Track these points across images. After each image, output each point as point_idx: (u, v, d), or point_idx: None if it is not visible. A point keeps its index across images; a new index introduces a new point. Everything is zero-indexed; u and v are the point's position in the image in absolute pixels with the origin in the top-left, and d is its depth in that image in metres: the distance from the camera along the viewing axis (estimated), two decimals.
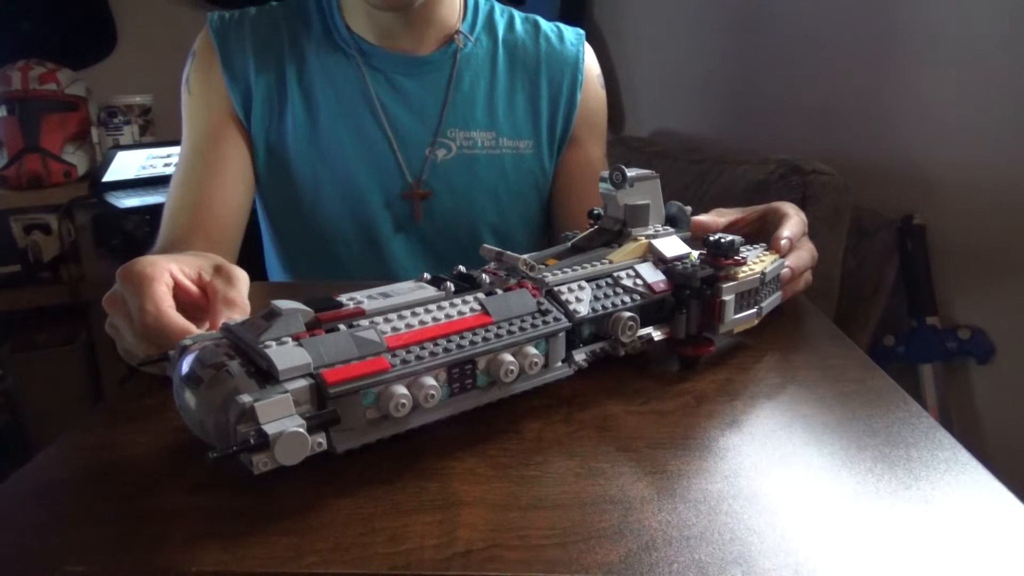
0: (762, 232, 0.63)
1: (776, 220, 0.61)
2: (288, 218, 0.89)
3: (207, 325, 0.47)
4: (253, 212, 0.93)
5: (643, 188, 0.52)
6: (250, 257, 0.96)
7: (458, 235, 0.89)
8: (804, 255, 0.60)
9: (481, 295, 0.41)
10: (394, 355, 0.36)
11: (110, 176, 1.82)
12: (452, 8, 0.89)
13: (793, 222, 0.60)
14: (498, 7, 0.94)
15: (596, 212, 0.54)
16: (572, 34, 0.95)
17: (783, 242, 0.57)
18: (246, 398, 0.32)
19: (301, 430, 0.32)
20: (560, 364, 0.44)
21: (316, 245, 0.89)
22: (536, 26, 0.94)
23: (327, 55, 0.86)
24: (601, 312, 0.45)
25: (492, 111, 0.89)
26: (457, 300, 0.41)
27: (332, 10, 0.87)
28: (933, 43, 1.09)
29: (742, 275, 0.50)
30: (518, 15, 0.95)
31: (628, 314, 0.46)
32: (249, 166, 0.86)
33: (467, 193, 0.88)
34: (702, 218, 0.62)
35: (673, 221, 0.57)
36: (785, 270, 0.57)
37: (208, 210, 0.82)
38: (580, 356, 0.45)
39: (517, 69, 0.91)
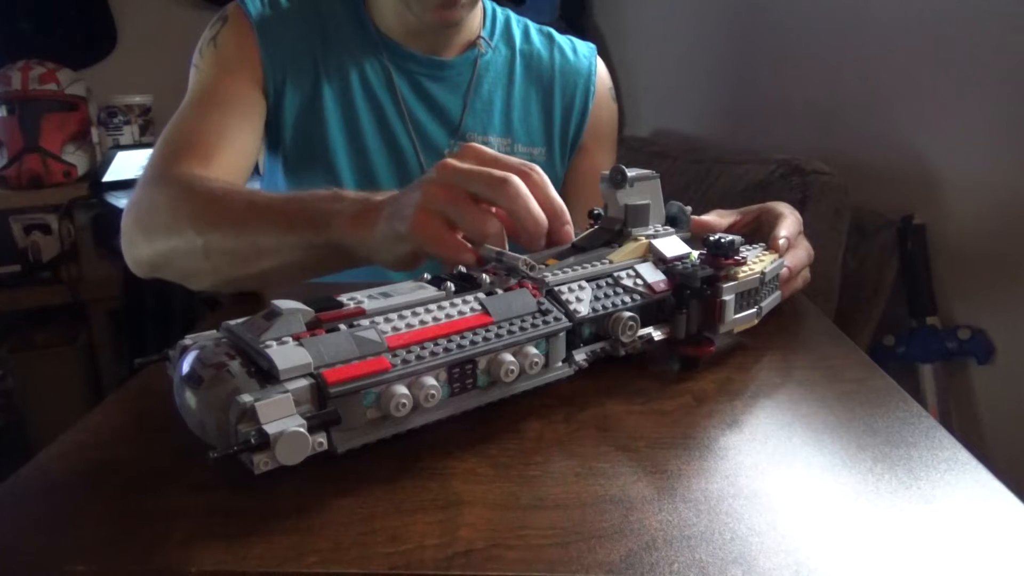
0: (758, 232, 0.63)
1: (771, 220, 0.62)
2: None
3: None
4: None
5: (643, 188, 0.52)
6: None
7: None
8: (801, 254, 0.61)
9: (481, 295, 0.41)
10: (394, 355, 0.36)
11: (110, 176, 1.82)
12: (476, 15, 0.91)
13: (789, 221, 0.61)
14: (514, 17, 0.97)
15: (596, 212, 0.54)
16: (585, 48, 0.98)
17: (780, 241, 0.58)
18: (247, 398, 0.32)
19: (302, 430, 0.32)
20: (560, 364, 0.44)
21: None
22: (551, 38, 0.97)
23: (356, 49, 0.87)
24: (601, 312, 0.45)
25: (508, 118, 0.91)
26: (457, 300, 0.41)
27: (358, 7, 0.88)
28: (933, 43, 1.09)
29: (742, 275, 0.50)
30: (532, 26, 0.97)
31: (628, 314, 0.46)
32: (260, 130, 0.83)
33: None
34: (705, 218, 0.62)
35: (673, 221, 0.57)
36: (783, 269, 0.57)
37: (212, 144, 0.74)
38: (580, 356, 0.45)
39: (532, 79, 0.93)
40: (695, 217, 0.59)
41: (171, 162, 0.72)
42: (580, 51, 0.97)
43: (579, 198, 0.94)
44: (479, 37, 0.91)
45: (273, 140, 0.87)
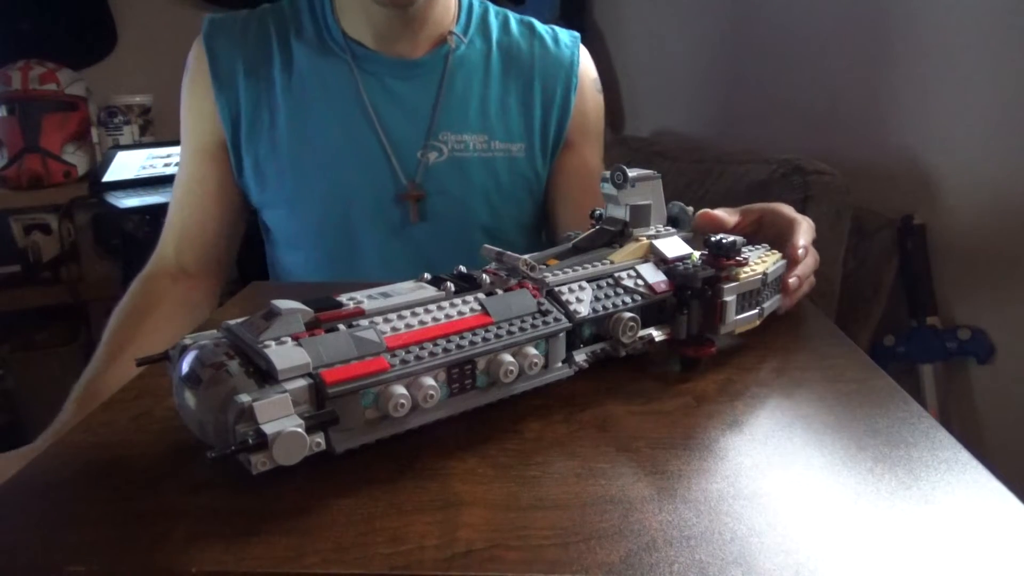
0: (759, 234, 0.62)
1: (779, 224, 0.60)
2: (275, 224, 0.89)
3: None
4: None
5: (644, 188, 0.52)
6: (253, 258, 0.97)
7: (450, 238, 0.88)
8: (810, 261, 0.59)
9: (481, 295, 0.41)
10: (393, 355, 0.36)
11: (110, 176, 1.82)
12: (447, 9, 0.88)
13: (804, 229, 0.59)
14: (492, 8, 0.93)
15: (598, 213, 0.54)
16: (567, 37, 0.93)
17: (800, 251, 0.56)
18: (245, 398, 0.32)
19: (299, 430, 0.32)
20: (560, 364, 0.44)
21: (306, 249, 0.88)
22: (531, 28, 0.92)
23: (319, 58, 0.85)
24: (602, 312, 0.45)
25: (484, 114, 0.87)
26: (457, 300, 0.41)
27: (326, 13, 0.86)
28: (933, 43, 1.09)
29: (744, 276, 0.50)
30: (513, 17, 0.93)
31: (629, 315, 0.45)
32: (233, 189, 0.88)
33: (459, 196, 0.87)
34: (716, 212, 0.60)
35: (675, 221, 0.57)
36: (793, 279, 0.56)
37: (188, 239, 0.87)
38: (580, 356, 0.45)
39: (511, 72, 0.89)
40: (704, 211, 0.58)
41: (163, 253, 0.87)
42: (562, 41, 0.92)
43: (568, 196, 0.91)
44: (450, 32, 0.87)
45: (240, 170, 0.87)
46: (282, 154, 0.84)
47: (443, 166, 0.86)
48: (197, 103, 0.86)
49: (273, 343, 0.34)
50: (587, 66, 0.93)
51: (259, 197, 0.88)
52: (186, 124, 0.88)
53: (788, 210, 0.62)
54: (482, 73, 0.88)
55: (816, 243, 0.62)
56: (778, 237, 0.59)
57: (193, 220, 0.87)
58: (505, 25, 0.92)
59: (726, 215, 0.62)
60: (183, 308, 0.82)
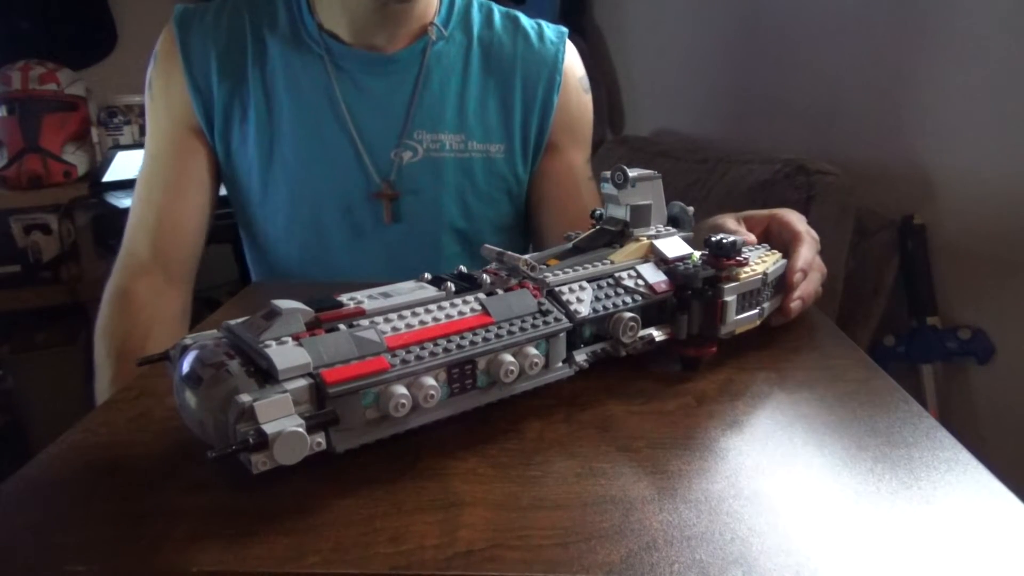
0: (768, 241, 0.61)
1: (784, 236, 0.59)
2: (247, 223, 0.88)
3: None
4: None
5: (645, 188, 0.52)
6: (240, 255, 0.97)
7: (420, 240, 0.85)
8: (815, 277, 0.58)
9: (482, 295, 0.41)
10: (394, 355, 0.36)
11: (110, 176, 1.82)
12: (429, 3, 0.84)
13: (806, 247, 0.57)
14: (476, 1, 0.89)
15: (598, 212, 0.54)
16: (553, 32, 0.88)
17: (797, 275, 0.55)
18: (245, 397, 0.32)
19: (300, 430, 0.32)
20: (561, 364, 0.44)
21: (276, 249, 0.87)
22: (515, 23, 0.88)
23: (291, 54, 0.81)
24: (602, 312, 0.45)
25: (462, 112, 0.84)
26: (457, 300, 0.41)
27: (301, 5, 0.82)
28: (933, 43, 1.09)
29: (744, 276, 0.50)
30: (498, 10, 0.89)
31: (629, 315, 0.45)
32: (210, 178, 0.85)
33: (432, 197, 0.84)
34: (729, 226, 0.59)
35: (675, 221, 0.57)
36: (795, 303, 0.55)
37: (167, 233, 0.82)
38: (581, 356, 0.45)
39: (491, 69, 0.86)
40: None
41: (134, 252, 0.82)
42: (547, 37, 0.87)
43: (552, 200, 0.88)
44: (431, 23, 0.83)
45: (220, 162, 0.85)
46: (251, 150, 0.82)
47: (418, 166, 0.83)
48: (171, 93, 0.82)
49: (274, 343, 0.34)
50: (573, 64, 0.89)
51: (229, 194, 0.86)
52: (158, 115, 0.83)
53: (794, 221, 0.59)
54: (461, 70, 0.85)
55: (820, 245, 0.61)
56: (784, 248, 0.58)
57: (175, 215, 0.82)
58: (488, 19, 0.88)
59: (735, 228, 0.61)
60: (175, 323, 0.80)
